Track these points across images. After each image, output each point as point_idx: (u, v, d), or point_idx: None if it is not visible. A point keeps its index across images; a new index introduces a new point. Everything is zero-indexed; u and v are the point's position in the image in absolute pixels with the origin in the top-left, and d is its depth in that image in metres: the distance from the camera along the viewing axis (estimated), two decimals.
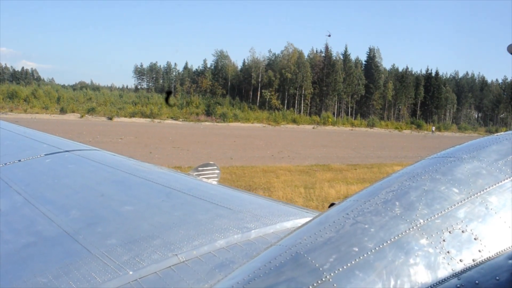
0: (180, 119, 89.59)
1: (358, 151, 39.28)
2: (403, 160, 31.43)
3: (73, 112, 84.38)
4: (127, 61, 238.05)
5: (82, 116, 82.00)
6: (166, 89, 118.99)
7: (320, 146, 42.25)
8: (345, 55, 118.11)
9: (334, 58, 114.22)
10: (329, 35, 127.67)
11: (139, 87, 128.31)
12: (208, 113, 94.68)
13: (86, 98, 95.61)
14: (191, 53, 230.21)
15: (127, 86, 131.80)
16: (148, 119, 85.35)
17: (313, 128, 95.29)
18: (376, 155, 35.87)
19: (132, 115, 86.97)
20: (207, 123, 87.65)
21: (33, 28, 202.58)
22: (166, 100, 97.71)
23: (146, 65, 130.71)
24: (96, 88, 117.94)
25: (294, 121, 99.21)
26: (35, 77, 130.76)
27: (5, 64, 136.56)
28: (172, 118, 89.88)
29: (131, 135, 45.15)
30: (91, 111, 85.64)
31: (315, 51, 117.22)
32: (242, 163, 24.40)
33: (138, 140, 38.84)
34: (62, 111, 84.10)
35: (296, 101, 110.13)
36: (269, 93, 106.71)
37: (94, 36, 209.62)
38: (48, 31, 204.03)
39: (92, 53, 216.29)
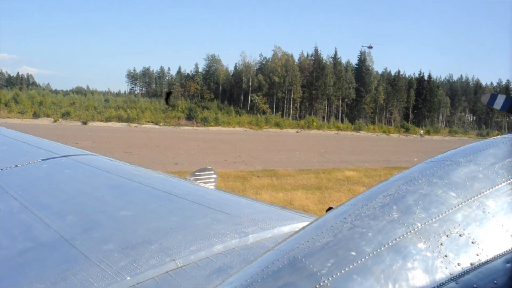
0: (161, 123, 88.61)
1: (325, 155, 37.94)
2: (366, 164, 30.21)
3: (48, 116, 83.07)
4: (124, 66, 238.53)
5: (55, 121, 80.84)
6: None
7: (287, 151, 40.79)
8: (335, 59, 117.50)
9: (324, 62, 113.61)
10: (371, 47, 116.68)
11: (132, 92, 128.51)
12: (190, 117, 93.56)
13: (70, 103, 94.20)
14: (185, 58, 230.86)
15: (124, 92, 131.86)
16: (125, 124, 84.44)
17: (297, 132, 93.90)
18: (342, 159, 34.47)
19: (108, 119, 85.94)
20: (186, 127, 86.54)
21: (34, 34, 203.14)
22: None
23: (139, 69, 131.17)
24: (88, 93, 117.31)
25: (277, 125, 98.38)
26: (31, 82, 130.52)
27: (0, 69, 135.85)
28: (153, 122, 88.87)
29: (92, 139, 43.74)
30: (65, 115, 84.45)
31: (305, 55, 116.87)
32: (183, 169, 22.65)
33: (94, 145, 37.69)
34: (35, 115, 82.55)
35: (285, 105, 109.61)
36: (257, 97, 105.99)
37: (93, 42, 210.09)
38: (48, 37, 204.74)
39: (90, 59, 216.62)
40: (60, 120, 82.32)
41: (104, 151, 30.65)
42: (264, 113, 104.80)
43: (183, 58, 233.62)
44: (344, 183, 20.43)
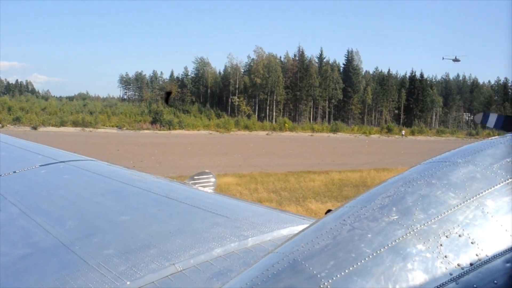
0: (125, 128, 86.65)
1: (249, 159, 34.75)
2: (281, 168, 28.04)
3: None
4: (124, 71, 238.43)
5: (2, 126, 77.08)
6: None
7: (216, 154, 38.09)
8: (321, 59, 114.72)
9: (308, 62, 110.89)
10: (457, 60, 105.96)
11: (125, 96, 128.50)
12: (155, 120, 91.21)
13: (41, 108, 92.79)
14: (179, 61, 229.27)
15: (126, 97, 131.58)
16: (79, 128, 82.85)
17: (267, 134, 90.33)
18: (262, 163, 31.45)
19: (62, 124, 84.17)
20: (147, 131, 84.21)
21: (42, 42, 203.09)
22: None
23: (132, 74, 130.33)
24: (91, 99, 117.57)
25: (246, 127, 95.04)
26: (30, 89, 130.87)
27: None
28: (117, 126, 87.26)
29: None
30: (15, 120, 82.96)
31: (292, 56, 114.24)
32: None
33: None
34: None
35: (268, 107, 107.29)
36: (237, 99, 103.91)
37: (96, 48, 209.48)
38: (54, 46, 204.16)
39: (94, 65, 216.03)
40: (8, 125, 79.77)
41: None
42: (249, 116, 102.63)
43: (176, 61, 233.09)
44: None
